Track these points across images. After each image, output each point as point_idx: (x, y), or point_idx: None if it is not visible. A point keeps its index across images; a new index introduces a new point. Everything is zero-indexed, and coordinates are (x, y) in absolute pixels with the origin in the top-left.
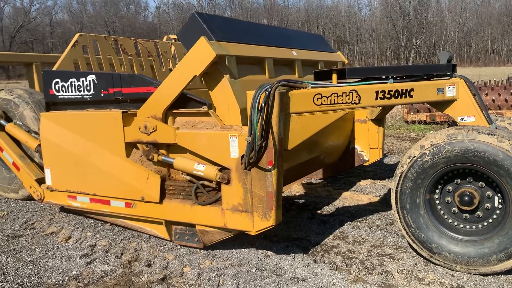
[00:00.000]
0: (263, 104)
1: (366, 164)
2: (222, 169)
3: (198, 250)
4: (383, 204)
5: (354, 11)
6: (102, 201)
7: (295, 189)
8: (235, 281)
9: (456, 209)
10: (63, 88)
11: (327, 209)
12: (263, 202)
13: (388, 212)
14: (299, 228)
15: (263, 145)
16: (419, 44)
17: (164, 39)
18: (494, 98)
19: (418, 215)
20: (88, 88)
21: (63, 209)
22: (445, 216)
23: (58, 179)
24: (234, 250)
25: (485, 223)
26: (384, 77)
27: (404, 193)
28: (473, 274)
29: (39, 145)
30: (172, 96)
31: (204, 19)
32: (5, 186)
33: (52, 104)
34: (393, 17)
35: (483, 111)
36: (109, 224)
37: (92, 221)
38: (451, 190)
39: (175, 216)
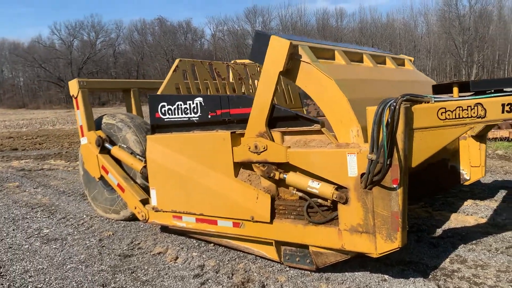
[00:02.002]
0: (388, 120)
1: (467, 183)
2: (339, 187)
3: (309, 273)
4: (494, 226)
5: (410, 28)
6: (209, 221)
7: None
8: None
9: None
10: (169, 111)
11: (433, 231)
12: (387, 222)
13: (503, 234)
14: (409, 251)
15: (388, 162)
16: (481, 59)
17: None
18: None
19: None
20: (195, 110)
21: (164, 229)
22: None
23: (163, 199)
24: (347, 273)
25: None
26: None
27: None
28: None
29: (144, 166)
30: (267, 105)
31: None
32: (107, 207)
33: (157, 127)
34: (452, 33)
35: None
36: (212, 244)
37: (195, 242)
38: None
39: (286, 236)
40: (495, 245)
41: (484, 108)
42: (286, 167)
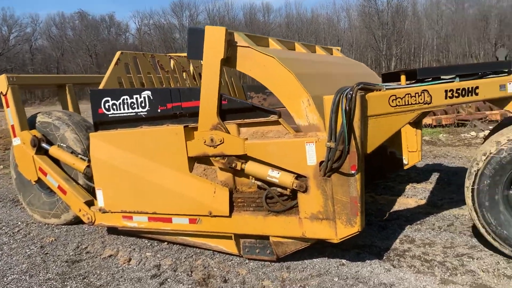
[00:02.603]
0: (345, 108)
1: (406, 167)
2: (298, 176)
3: (269, 263)
4: (433, 206)
5: (334, 23)
6: (163, 219)
7: None
8: None
9: None
10: (114, 107)
11: (380, 215)
12: (346, 208)
13: (442, 213)
14: (361, 235)
15: (346, 149)
16: (399, 52)
17: None
18: None
19: (498, 212)
20: (143, 104)
21: (112, 230)
22: None
23: (111, 200)
24: (306, 260)
25: None
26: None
27: (482, 191)
28: None
29: (88, 166)
30: (215, 96)
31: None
32: (45, 211)
33: (101, 123)
34: (372, 27)
35: None
36: (166, 243)
37: (147, 242)
38: None
39: (246, 229)
40: (437, 224)
41: (430, 95)
42: (244, 159)
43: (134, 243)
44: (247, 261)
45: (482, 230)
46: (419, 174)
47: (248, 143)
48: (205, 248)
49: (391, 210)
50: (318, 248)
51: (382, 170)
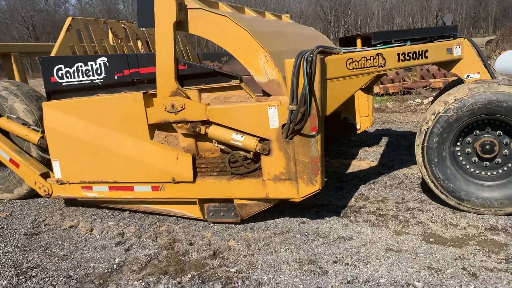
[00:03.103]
0: (306, 71)
1: (358, 132)
2: (262, 140)
3: (233, 225)
4: (384, 167)
5: None
6: (124, 188)
7: None
8: (286, 247)
9: (476, 159)
10: (68, 74)
11: (336, 177)
12: (308, 168)
13: (393, 173)
14: (320, 195)
15: (307, 112)
16: (346, 24)
17: None
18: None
19: (445, 167)
20: (99, 71)
21: (70, 202)
22: (467, 166)
23: (69, 171)
24: (269, 221)
25: (505, 168)
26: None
27: (431, 148)
28: (500, 215)
29: (42, 137)
30: (171, 61)
31: None
32: None
33: (54, 92)
34: None
35: (487, 68)
36: (128, 212)
37: (108, 211)
38: (470, 142)
39: (211, 193)
40: (389, 182)
41: (384, 58)
42: (207, 124)
43: (95, 214)
44: (211, 224)
45: (431, 185)
46: (370, 139)
47: (210, 108)
48: (169, 215)
49: (345, 172)
50: (279, 209)
51: (336, 135)
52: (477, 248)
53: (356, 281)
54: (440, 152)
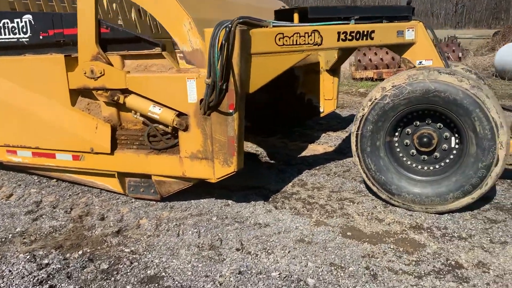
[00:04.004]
0: (223, 43)
1: (322, 115)
2: (180, 114)
3: (155, 202)
4: (339, 153)
5: None
6: (46, 155)
7: (251, 142)
8: (195, 230)
9: (414, 151)
10: None
11: (285, 159)
12: (224, 148)
13: (344, 160)
14: (257, 177)
15: (224, 87)
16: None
17: None
18: None
19: (378, 157)
20: (25, 30)
21: (1, 166)
22: (404, 159)
23: None
24: (193, 201)
25: (442, 164)
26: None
27: (364, 136)
28: (430, 213)
29: None
30: (92, 22)
31: None
32: None
33: None
34: None
35: (441, 55)
36: (55, 180)
37: (37, 178)
38: (410, 133)
39: (129, 167)
40: (334, 170)
41: (321, 36)
42: (128, 93)
43: (22, 179)
44: (133, 200)
45: (363, 176)
46: (339, 123)
47: (130, 76)
48: (93, 186)
49: (297, 156)
50: (207, 189)
51: (299, 117)
52: (392, 246)
53: (248, 272)
54: (374, 141)
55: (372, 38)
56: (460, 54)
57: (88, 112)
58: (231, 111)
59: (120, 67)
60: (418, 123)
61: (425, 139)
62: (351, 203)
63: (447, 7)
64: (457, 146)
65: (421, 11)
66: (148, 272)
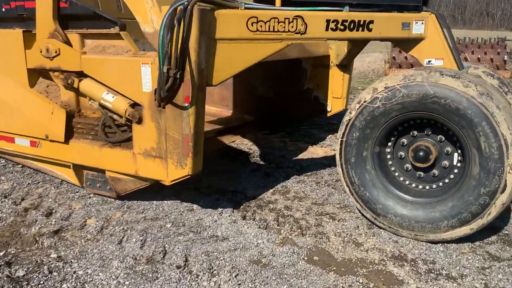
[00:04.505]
0: (175, 23)
1: (329, 114)
2: (135, 105)
3: (113, 200)
4: None
5: None
6: (6, 138)
7: (248, 139)
8: (141, 237)
9: (409, 166)
10: None
11: (276, 161)
12: (178, 147)
13: None
14: (239, 180)
15: (178, 76)
16: None
17: None
18: (479, 56)
19: (363, 170)
20: None
21: None
22: (396, 173)
23: None
24: (154, 201)
25: (440, 184)
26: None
27: (349, 144)
28: (420, 241)
29: None
30: None
31: None
32: None
33: None
34: None
35: (454, 55)
36: (20, 166)
37: (4, 162)
38: (405, 144)
39: (83, 159)
40: (326, 178)
41: (305, 23)
42: (84, 76)
43: None
44: (92, 195)
45: (346, 189)
46: None
47: (85, 58)
48: (53, 176)
49: (291, 158)
50: (175, 189)
51: (302, 114)
52: (361, 280)
53: None
54: (360, 150)
55: (369, 30)
56: (506, 58)
57: (46, 96)
58: (186, 105)
59: (79, 47)
60: (416, 133)
61: (421, 153)
62: (331, 220)
63: (505, 7)
64: (459, 165)
65: (476, 11)
66: (63, 286)
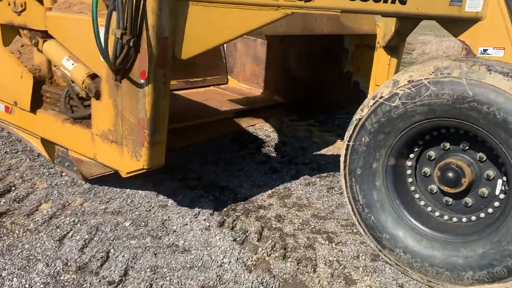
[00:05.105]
0: None
1: None
2: (95, 76)
3: (83, 183)
4: None
5: None
6: None
7: (270, 124)
8: (87, 236)
9: (435, 188)
10: None
11: (291, 154)
12: (133, 132)
13: None
14: (237, 174)
15: (131, 44)
16: None
17: None
18: None
19: (371, 186)
20: None
21: None
22: (416, 195)
23: None
24: (127, 190)
25: (473, 218)
26: None
27: (356, 151)
28: None
29: None
30: None
31: None
32: None
33: None
34: None
35: None
36: (6, 131)
37: None
38: (433, 158)
39: (47, 133)
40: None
41: None
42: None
43: None
44: (64, 174)
45: (348, 207)
46: None
47: (49, 15)
48: (31, 147)
49: (311, 152)
50: (158, 178)
51: (339, 102)
52: None
53: None
54: (369, 161)
55: (403, 2)
56: None
57: (19, 57)
58: (142, 81)
59: (50, 2)
60: (448, 146)
61: (450, 174)
62: (327, 242)
63: None
64: (502, 196)
65: None
66: None
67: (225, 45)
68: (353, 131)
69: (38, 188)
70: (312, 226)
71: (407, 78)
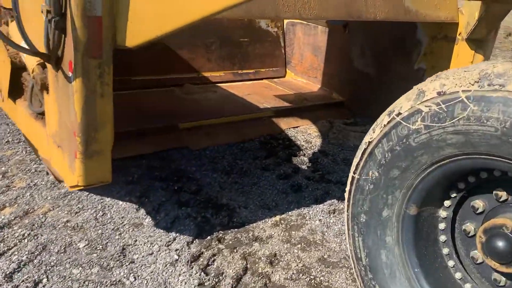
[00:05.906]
0: None
1: None
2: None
3: (60, 185)
4: None
5: None
6: None
7: (317, 126)
8: (26, 257)
9: (480, 256)
10: None
11: (327, 169)
12: (68, 139)
13: None
14: (248, 190)
15: (57, 26)
16: None
17: None
18: None
19: (379, 242)
20: None
21: None
22: (450, 262)
23: None
24: (107, 199)
25: None
26: None
27: (361, 189)
28: None
29: None
30: None
31: None
32: None
33: None
34: None
35: None
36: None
37: None
38: (479, 210)
39: (22, 125)
40: None
41: None
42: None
43: None
44: (49, 174)
45: (351, 262)
46: None
47: None
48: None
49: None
50: (146, 188)
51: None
52: None
53: None
54: (377, 205)
55: None
56: None
57: (7, 37)
58: (70, 74)
59: None
60: (504, 195)
61: (500, 244)
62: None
63: None
64: None
65: None
66: None
67: (284, 32)
68: (360, 159)
69: (14, 187)
70: (312, 276)
71: (437, 88)
